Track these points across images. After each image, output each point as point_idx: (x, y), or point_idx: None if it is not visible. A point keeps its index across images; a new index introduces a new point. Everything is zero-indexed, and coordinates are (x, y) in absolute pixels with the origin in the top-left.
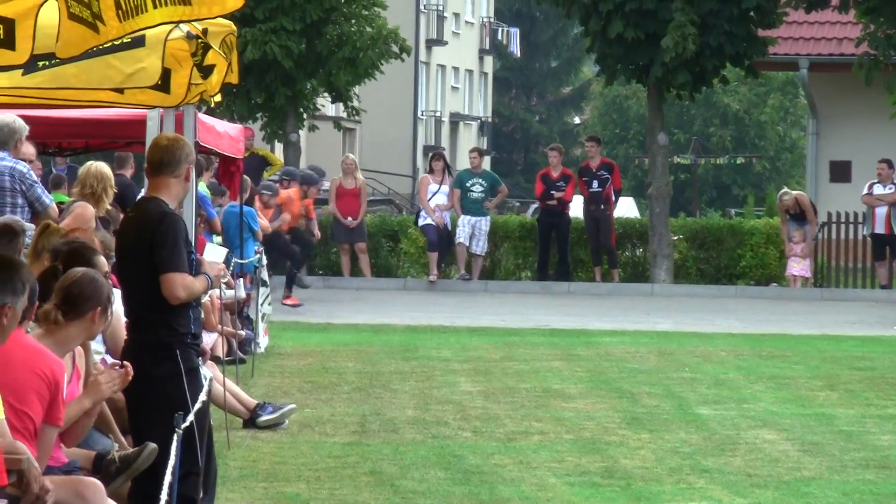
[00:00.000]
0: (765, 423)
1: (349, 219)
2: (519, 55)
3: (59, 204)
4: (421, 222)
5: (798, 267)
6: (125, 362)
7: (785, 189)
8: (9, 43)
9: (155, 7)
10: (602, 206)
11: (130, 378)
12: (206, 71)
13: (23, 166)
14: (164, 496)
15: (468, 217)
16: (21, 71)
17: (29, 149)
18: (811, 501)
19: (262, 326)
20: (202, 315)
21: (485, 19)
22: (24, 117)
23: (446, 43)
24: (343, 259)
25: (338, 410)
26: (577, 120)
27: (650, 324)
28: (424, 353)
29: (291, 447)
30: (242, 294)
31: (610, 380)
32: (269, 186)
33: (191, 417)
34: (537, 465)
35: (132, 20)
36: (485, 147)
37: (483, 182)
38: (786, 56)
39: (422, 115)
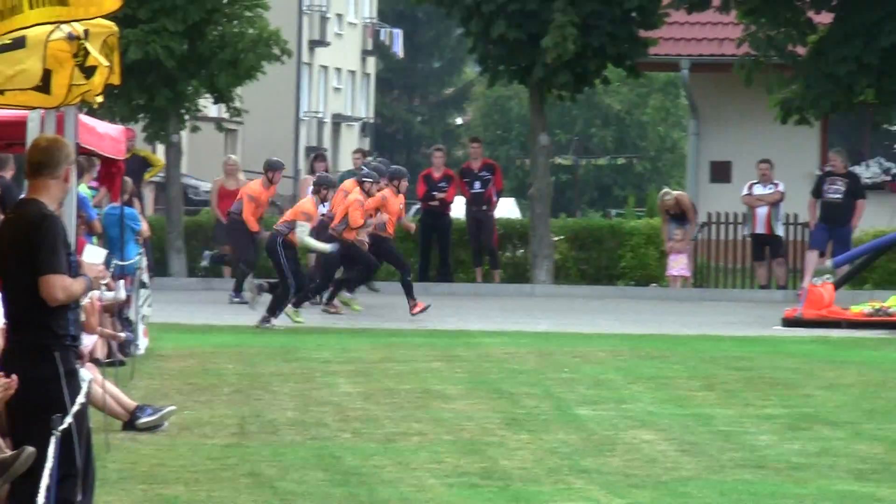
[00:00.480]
0: (643, 424)
1: None
2: (402, 56)
3: None
4: None
5: (678, 267)
6: (13, 375)
7: (666, 189)
8: None
9: (31, 7)
10: (484, 207)
11: (14, 388)
12: (88, 72)
13: None
14: (41, 499)
15: None
16: None
17: None
18: (689, 501)
19: (141, 328)
20: (81, 317)
21: (368, 20)
22: None
23: (329, 44)
24: None
25: (217, 412)
26: (459, 121)
27: (530, 324)
28: (305, 354)
29: (170, 449)
30: (122, 296)
31: (489, 380)
32: (370, 175)
33: (69, 420)
34: (416, 466)
35: (9, 20)
36: (367, 148)
37: None
38: (667, 57)
39: (304, 116)
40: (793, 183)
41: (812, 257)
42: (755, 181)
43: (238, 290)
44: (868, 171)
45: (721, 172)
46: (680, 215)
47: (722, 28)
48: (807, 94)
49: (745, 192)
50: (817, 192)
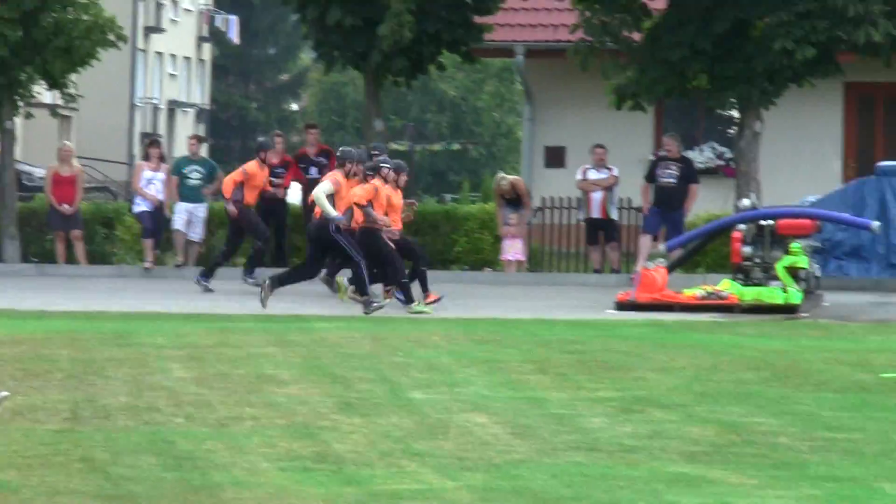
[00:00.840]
0: (476, 407)
1: (65, 206)
2: (237, 42)
3: None
4: (135, 209)
5: (512, 251)
6: None
7: (501, 174)
8: None
9: None
10: None
11: None
12: None
13: None
14: None
15: (185, 204)
16: None
17: None
18: (521, 483)
19: None
20: None
21: (203, 7)
22: None
23: (164, 30)
24: (58, 246)
25: (50, 398)
26: (294, 107)
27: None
28: (138, 339)
29: (2, 435)
30: None
31: (323, 365)
32: (388, 160)
33: None
34: (249, 451)
35: None
36: (203, 134)
37: (201, 169)
38: (502, 42)
39: (139, 102)
40: (627, 167)
41: (645, 241)
42: (589, 166)
43: (251, 271)
44: (702, 156)
45: (555, 157)
46: (515, 200)
47: (557, 14)
48: (641, 79)
49: (579, 176)
50: (651, 177)
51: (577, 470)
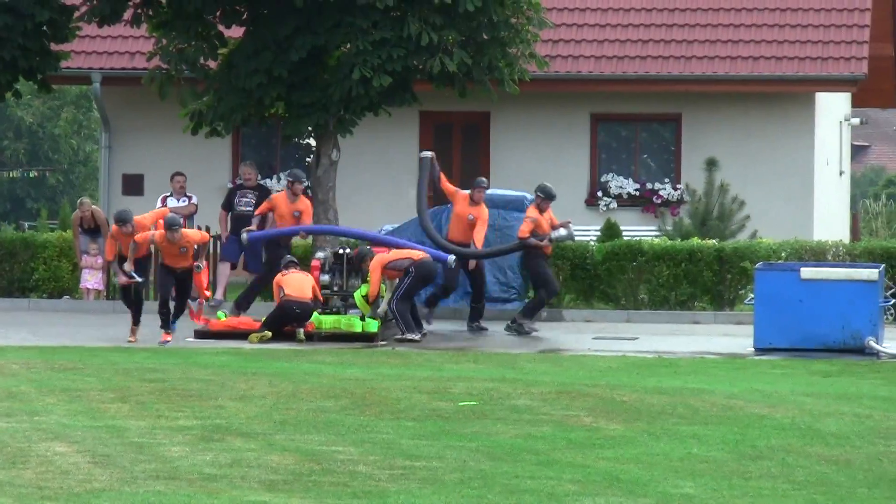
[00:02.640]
0: (56, 436)
1: None
2: None
3: None
4: None
5: (93, 280)
6: None
7: (83, 200)
8: None
9: None
10: None
11: None
12: None
13: None
14: None
15: None
16: None
17: None
18: None
19: None
20: None
21: None
22: None
23: None
24: None
25: None
26: None
27: None
28: None
29: None
30: None
31: None
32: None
33: None
34: None
35: None
36: None
37: None
38: (79, 70)
39: None
40: (206, 195)
41: (225, 269)
42: (169, 194)
43: None
44: (279, 185)
45: (133, 185)
46: (94, 229)
47: (133, 42)
48: (218, 106)
49: (158, 205)
50: (228, 205)
51: (157, 499)
